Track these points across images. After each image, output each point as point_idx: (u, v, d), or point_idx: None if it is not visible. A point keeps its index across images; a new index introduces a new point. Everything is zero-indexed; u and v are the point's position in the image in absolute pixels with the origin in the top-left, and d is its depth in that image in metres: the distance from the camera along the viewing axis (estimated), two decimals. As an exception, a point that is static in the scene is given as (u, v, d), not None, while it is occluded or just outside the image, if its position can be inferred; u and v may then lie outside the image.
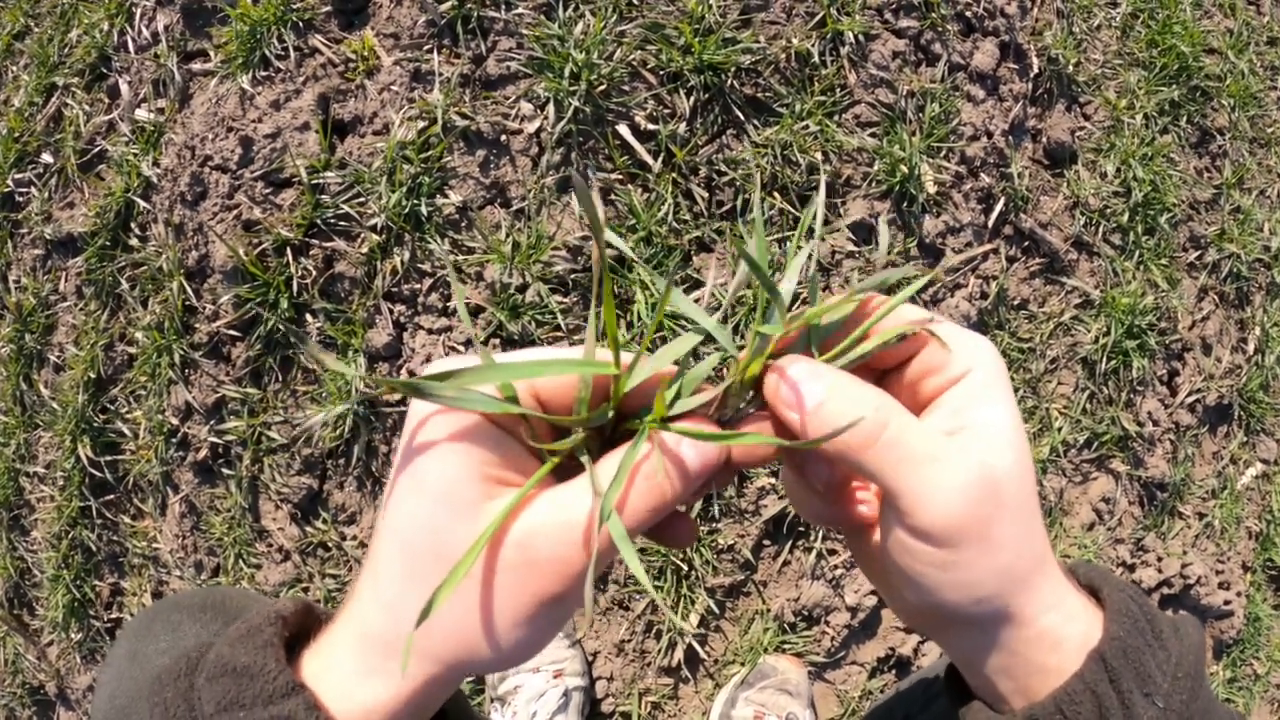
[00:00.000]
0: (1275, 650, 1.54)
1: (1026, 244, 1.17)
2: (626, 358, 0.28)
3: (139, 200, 1.13)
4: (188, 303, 1.08)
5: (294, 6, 1.10)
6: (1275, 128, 1.46)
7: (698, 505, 1.04)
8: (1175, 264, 1.30)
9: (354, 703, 0.27)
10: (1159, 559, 1.32)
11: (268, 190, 1.06)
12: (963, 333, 0.31)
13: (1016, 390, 1.17)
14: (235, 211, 1.07)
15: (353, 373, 0.24)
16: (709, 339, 0.30)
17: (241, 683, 0.27)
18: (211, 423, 1.09)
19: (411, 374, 1.00)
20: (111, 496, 1.19)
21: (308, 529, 1.10)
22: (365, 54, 1.09)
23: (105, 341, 1.16)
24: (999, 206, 1.13)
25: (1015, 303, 1.17)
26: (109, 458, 1.15)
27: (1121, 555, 1.29)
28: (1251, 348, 1.38)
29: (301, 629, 0.31)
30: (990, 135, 1.12)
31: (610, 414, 0.29)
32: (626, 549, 0.26)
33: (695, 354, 0.30)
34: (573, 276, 1.00)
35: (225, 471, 1.10)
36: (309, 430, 1.01)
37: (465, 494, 0.27)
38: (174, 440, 1.12)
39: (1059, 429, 1.19)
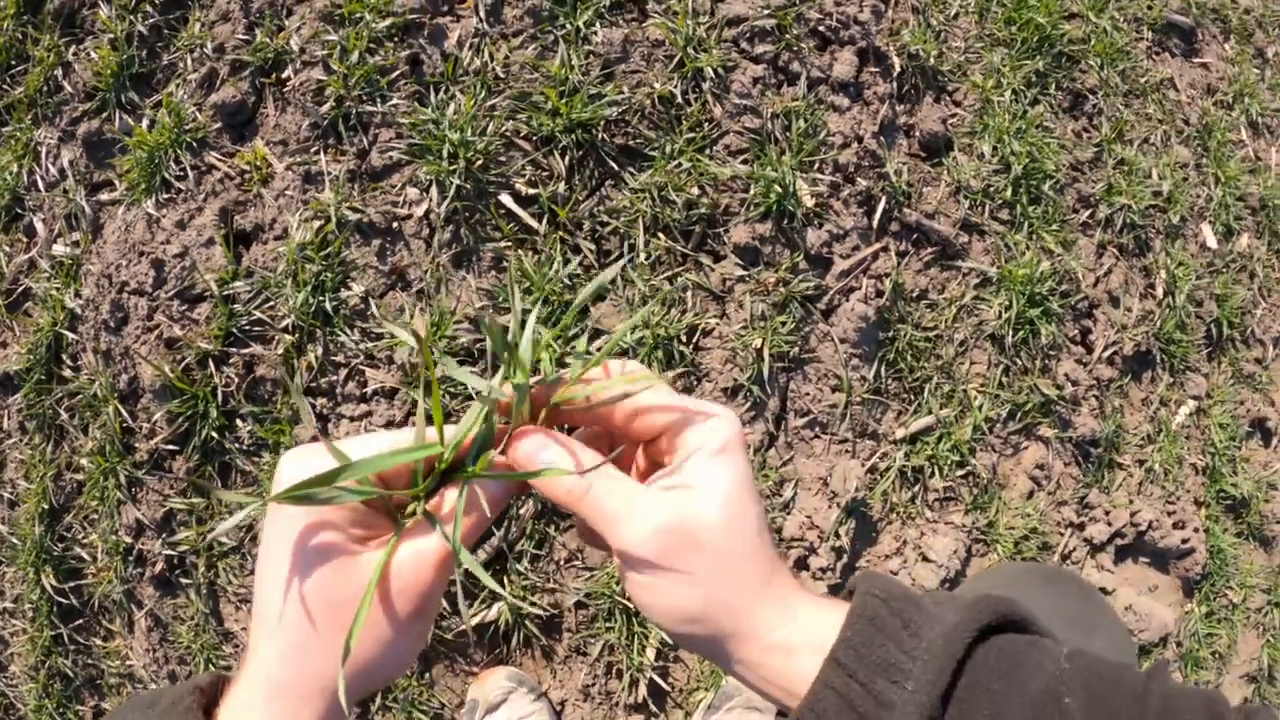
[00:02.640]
0: (1247, 576, 1.57)
1: (915, 236, 1.22)
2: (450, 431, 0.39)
3: (66, 332, 1.18)
4: (125, 424, 1.12)
5: (187, 127, 1.15)
6: (1148, 76, 1.52)
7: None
8: (1067, 227, 1.34)
9: None
10: (1106, 513, 1.35)
11: (183, 307, 1.11)
12: (708, 409, 0.39)
13: (930, 379, 1.21)
14: (156, 331, 1.11)
15: (240, 499, 0.34)
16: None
17: None
18: (164, 535, 1.13)
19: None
20: (80, 621, 1.22)
21: (272, 623, 1.13)
22: (258, 163, 1.14)
23: (53, 472, 1.20)
24: (881, 206, 1.17)
25: (914, 295, 1.22)
26: (72, 583, 1.19)
27: (1067, 516, 1.32)
28: (1160, 291, 1.42)
29: (218, 696, 0.37)
30: (861, 140, 1.17)
31: (437, 480, 0.40)
32: (468, 559, 0.37)
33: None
34: (478, 346, 1.05)
35: (183, 581, 1.13)
36: (220, 536, 1.07)
37: (343, 552, 0.35)
38: (131, 558, 1.15)
39: (979, 407, 1.23)
